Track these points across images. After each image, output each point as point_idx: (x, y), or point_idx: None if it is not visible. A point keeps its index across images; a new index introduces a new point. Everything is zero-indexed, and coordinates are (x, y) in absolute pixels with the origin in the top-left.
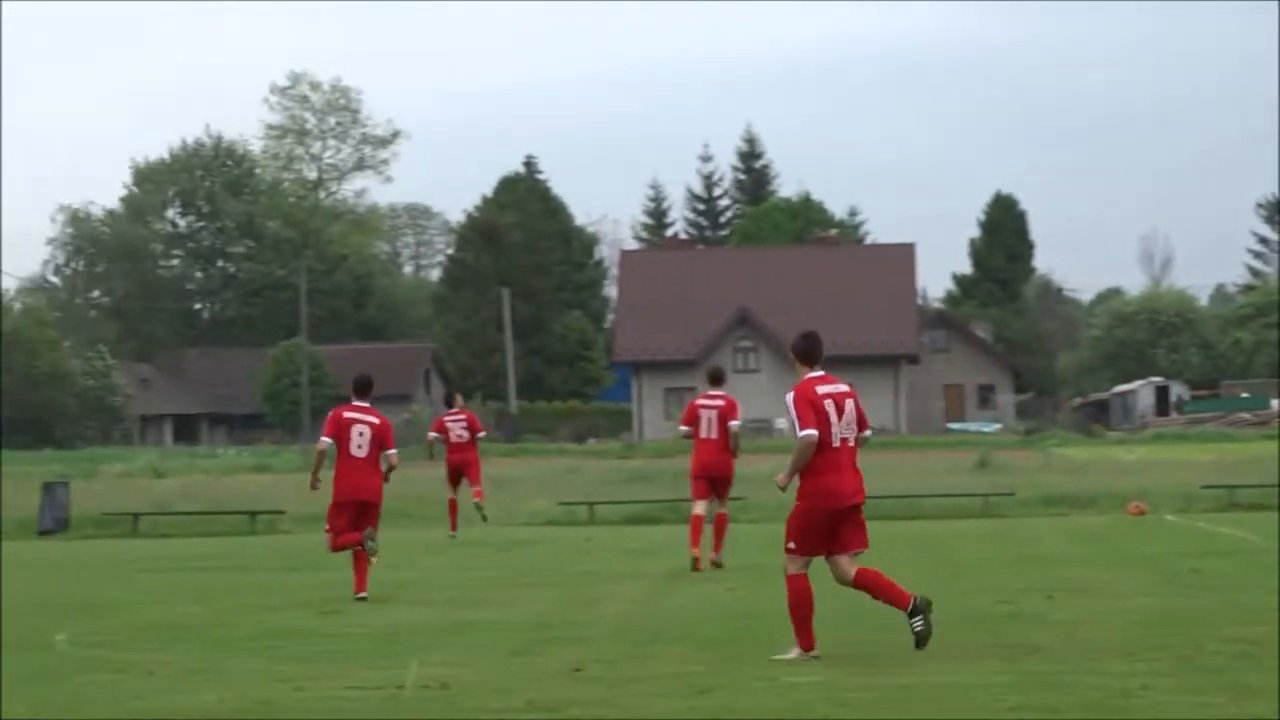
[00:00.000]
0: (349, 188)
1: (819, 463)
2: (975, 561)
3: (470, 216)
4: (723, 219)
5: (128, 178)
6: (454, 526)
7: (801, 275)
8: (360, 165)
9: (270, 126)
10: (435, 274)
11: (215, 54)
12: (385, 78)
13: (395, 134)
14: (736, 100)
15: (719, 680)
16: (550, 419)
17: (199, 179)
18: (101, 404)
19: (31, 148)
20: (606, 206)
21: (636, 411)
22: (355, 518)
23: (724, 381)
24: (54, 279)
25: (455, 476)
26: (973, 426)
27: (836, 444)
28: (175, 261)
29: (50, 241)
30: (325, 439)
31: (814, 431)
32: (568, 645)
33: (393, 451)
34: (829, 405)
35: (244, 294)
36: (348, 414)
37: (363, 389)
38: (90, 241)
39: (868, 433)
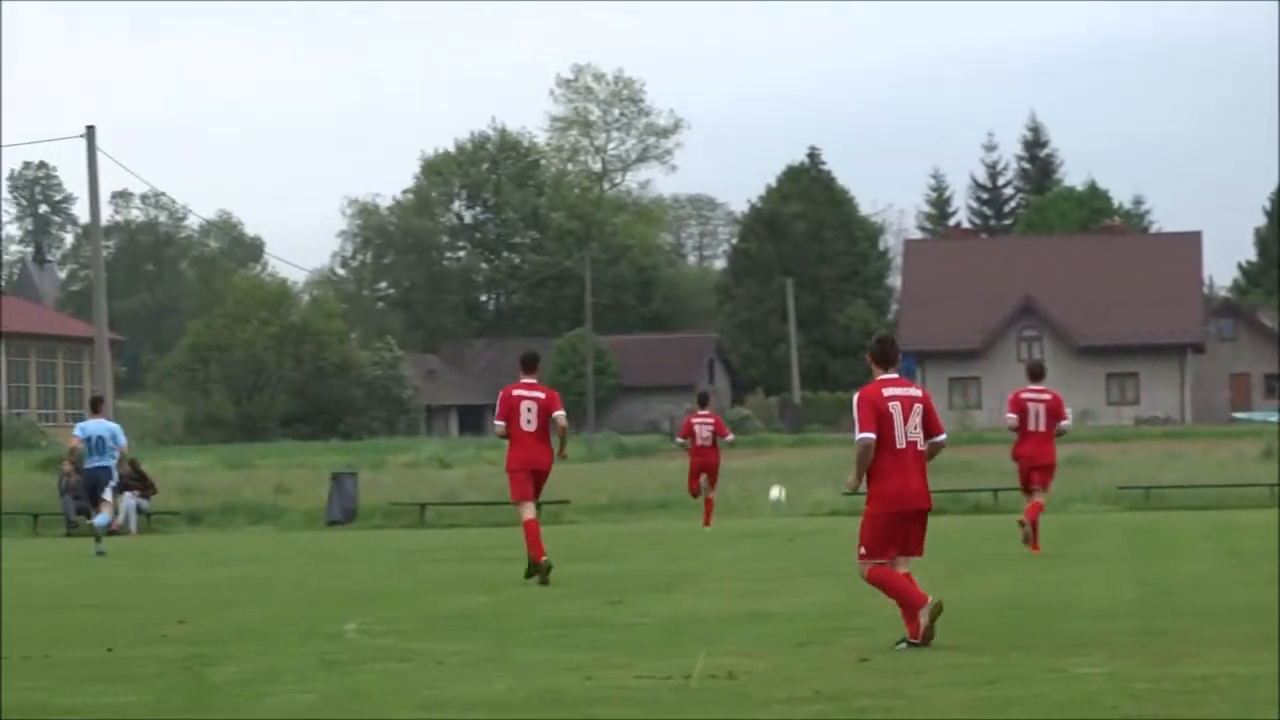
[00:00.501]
0: (633, 178)
1: (884, 466)
2: (1260, 552)
3: (754, 207)
4: (1007, 208)
5: (415, 170)
6: (708, 521)
7: (1086, 264)
8: (644, 156)
9: (555, 119)
10: (719, 264)
11: (502, 48)
12: (668, 69)
13: (678, 123)
14: (1021, 89)
15: (1005, 671)
16: (834, 409)
17: (485, 171)
18: (389, 395)
19: (320, 141)
20: (890, 196)
21: None
22: (535, 485)
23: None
24: (342, 271)
25: (697, 476)
26: (1259, 416)
27: (902, 445)
28: (461, 253)
29: (339, 234)
30: (499, 421)
31: (870, 435)
32: (853, 635)
33: (559, 414)
34: (894, 407)
35: (529, 285)
36: (516, 391)
37: (529, 365)
38: (378, 233)
39: (942, 438)
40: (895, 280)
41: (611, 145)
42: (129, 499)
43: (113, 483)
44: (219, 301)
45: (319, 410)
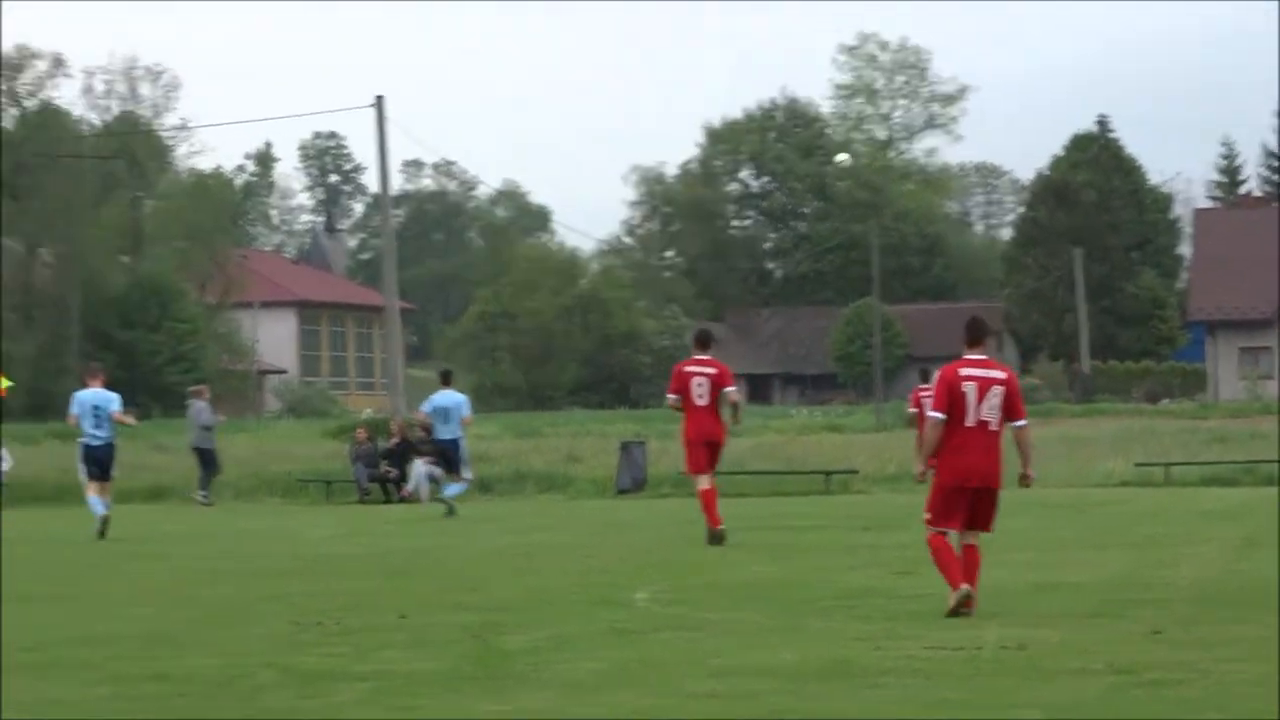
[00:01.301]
0: (918, 147)
1: (951, 441)
2: None
3: (1041, 175)
4: None
5: (700, 138)
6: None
7: None
8: (929, 124)
9: (840, 87)
10: (1006, 233)
11: (787, 15)
12: (953, 36)
13: (963, 90)
14: None
15: None
16: (1123, 379)
17: (771, 140)
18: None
19: (607, 109)
20: (1179, 165)
21: (1211, 371)
22: (709, 457)
23: None
24: (629, 239)
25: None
26: None
27: (971, 423)
28: (747, 221)
29: (627, 203)
30: (671, 395)
31: (940, 414)
32: (1146, 607)
33: (731, 389)
34: (969, 387)
35: (816, 254)
36: (688, 368)
37: (703, 342)
38: (665, 201)
39: (1021, 423)
40: (1185, 249)
41: (897, 113)
42: (420, 466)
43: (461, 453)
44: (507, 270)
45: (607, 378)
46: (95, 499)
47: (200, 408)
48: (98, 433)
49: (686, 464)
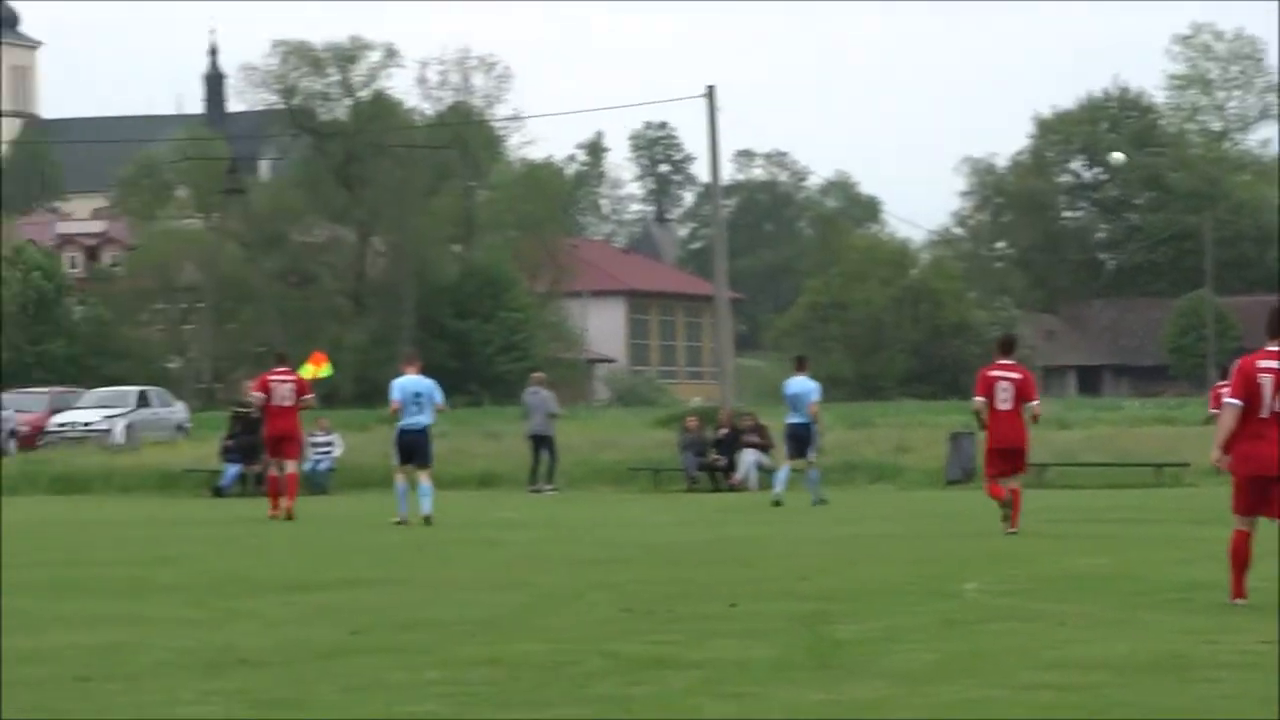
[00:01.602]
0: (1253, 138)
1: (1242, 430)
2: None
3: None
4: None
5: (1031, 129)
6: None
7: None
8: (1264, 114)
9: (1173, 77)
10: None
11: (1120, 6)
12: None
13: None
14: None
15: None
16: None
17: (1103, 131)
18: None
19: (938, 99)
20: None
21: None
22: (1008, 462)
23: None
24: (960, 230)
25: None
26: None
27: (1265, 415)
28: (1079, 212)
29: (958, 193)
30: (978, 398)
31: (1236, 401)
32: None
33: (1035, 403)
34: (1265, 379)
35: (1149, 245)
36: (992, 372)
37: (1007, 348)
38: (996, 192)
39: None
40: None
41: (1231, 103)
42: (749, 455)
43: (814, 438)
44: (837, 260)
45: (937, 369)
46: (403, 486)
47: (546, 395)
48: (419, 419)
49: (986, 467)
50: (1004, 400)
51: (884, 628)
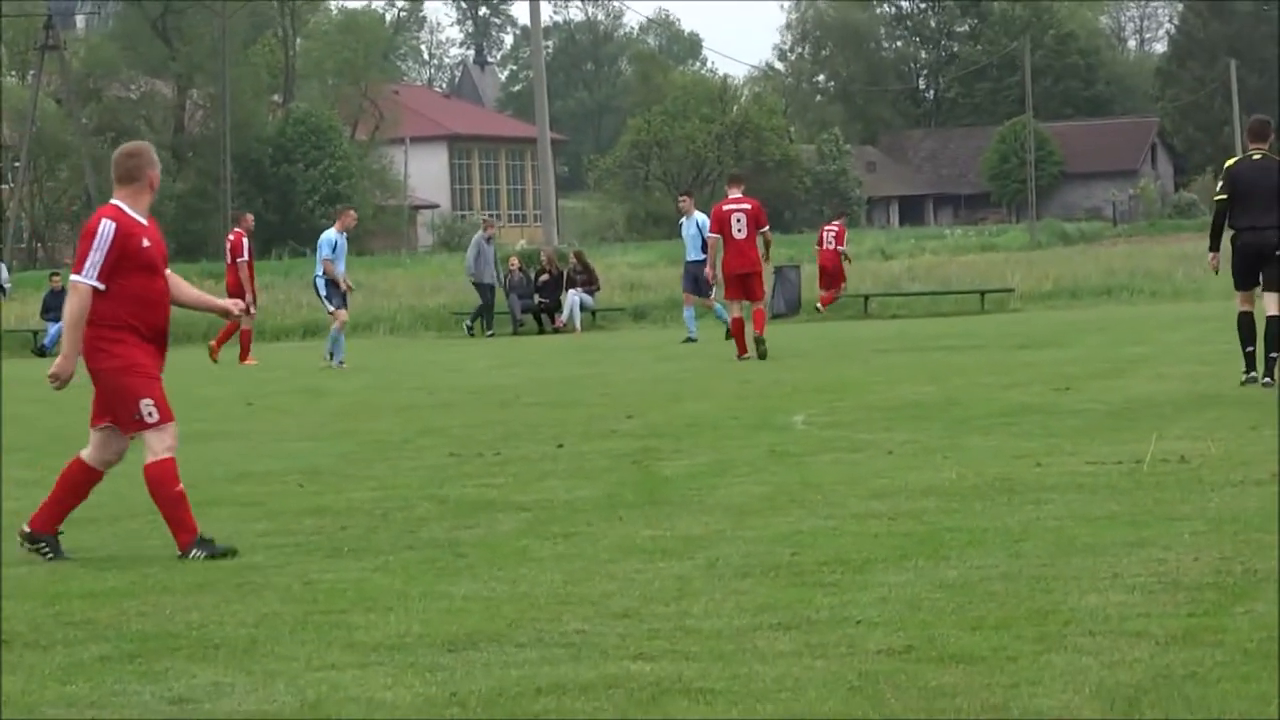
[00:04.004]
0: None
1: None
2: None
3: None
4: None
5: None
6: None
7: None
8: None
9: None
10: (1159, 48)
11: None
12: None
13: None
14: None
15: None
16: None
17: None
18: (834, 189)
19: None
20: None
21: None
22: (744, 286)
23: None
24: (780, 65)
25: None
26: None
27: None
28: (898, 43)
29: (780, 28)
30: (712, 234)
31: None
32: None
33: (766, 229)
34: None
35: (968, 74)
36: (725, 206)
37: (736, 181)
38: (816, 25)
39: None
40: None
41: None
42: (573, 295)
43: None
44: (659, 99)
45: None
46: None
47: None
48: None
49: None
50: (739, 230)
51: (711, 462)
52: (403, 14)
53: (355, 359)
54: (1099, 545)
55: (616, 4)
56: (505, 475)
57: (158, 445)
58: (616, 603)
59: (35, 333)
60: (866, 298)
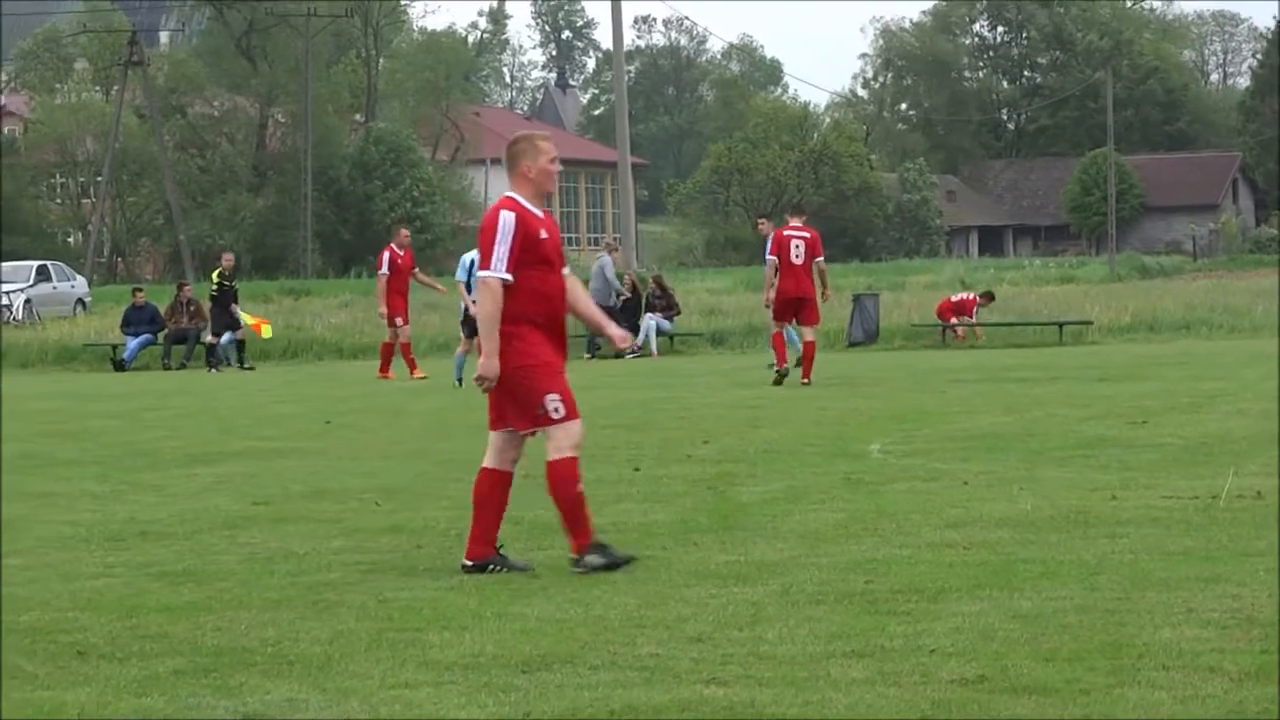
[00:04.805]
0: None
1: None
2: None
3: None
4: None
5: None
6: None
7: None
8: None
9: None
10: (1242, 82)
11: None
12: None
13: None
14: None
15: None
16: None
17: None
18: (915, 217)
19: None
20: None
21: None
22: (796, 311)
23: None
24: (863, 93)
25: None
26: None
27: None
28: (981, 73)
29: (860, 55)
30: (771, 256)
31: None
32: None
33: (820, 259)
34: None
35: (1051, 105)
36: (785, 232)
37: (797, 211)
38: (899, 54)
39: None
40: None
41: None
42: (649, 319)
43: None
44: (740, 125)
45: (840, 232)
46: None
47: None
48: None
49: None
50: (796, 255)
51: (786, 489)
52: (486, 36)
53: (435, 378)
54: (1173, 580)
55: (700, 29)
56: None
57: (563, 442)
58: (690, 627)
59: (115, 346)
60: (944, 328)
